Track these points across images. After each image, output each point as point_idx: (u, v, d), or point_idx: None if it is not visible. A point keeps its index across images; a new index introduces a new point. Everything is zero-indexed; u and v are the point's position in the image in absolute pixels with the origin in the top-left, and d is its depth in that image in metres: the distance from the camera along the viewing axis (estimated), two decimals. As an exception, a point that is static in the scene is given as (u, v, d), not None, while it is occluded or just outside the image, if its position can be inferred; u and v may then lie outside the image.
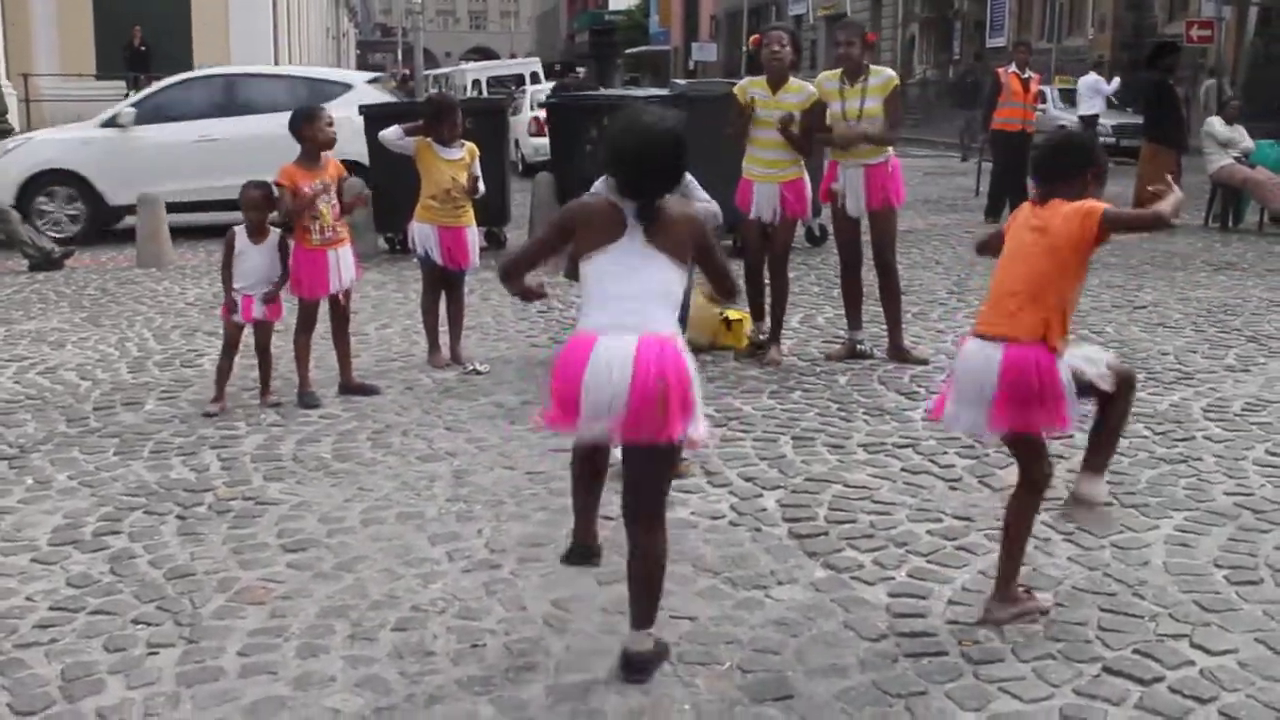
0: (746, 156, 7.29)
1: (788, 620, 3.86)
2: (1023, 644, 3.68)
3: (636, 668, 3.46)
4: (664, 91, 12.95)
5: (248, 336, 6.44)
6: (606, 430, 3.30)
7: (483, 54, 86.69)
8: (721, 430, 5.82)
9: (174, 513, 4.84)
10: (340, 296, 6.53)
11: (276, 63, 25.94)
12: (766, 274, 7.42)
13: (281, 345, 6.54)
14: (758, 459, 5.46)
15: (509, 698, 3.41)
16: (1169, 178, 3.95)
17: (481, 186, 7.27)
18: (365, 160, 11.53)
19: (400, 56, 59.71)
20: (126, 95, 17.96)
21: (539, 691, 3.44)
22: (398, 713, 3.34)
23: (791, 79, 7.16)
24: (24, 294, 9.92)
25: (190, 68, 19.01)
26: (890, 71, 7.23)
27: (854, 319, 7.40)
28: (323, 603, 4.01)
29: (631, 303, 3.33)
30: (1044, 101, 19.44)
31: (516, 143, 20.16)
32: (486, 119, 11.37)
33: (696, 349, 7.26)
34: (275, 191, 6.27)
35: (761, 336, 7.44)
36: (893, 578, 4.18)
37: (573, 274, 3.63)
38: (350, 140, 12.57)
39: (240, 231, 6.30)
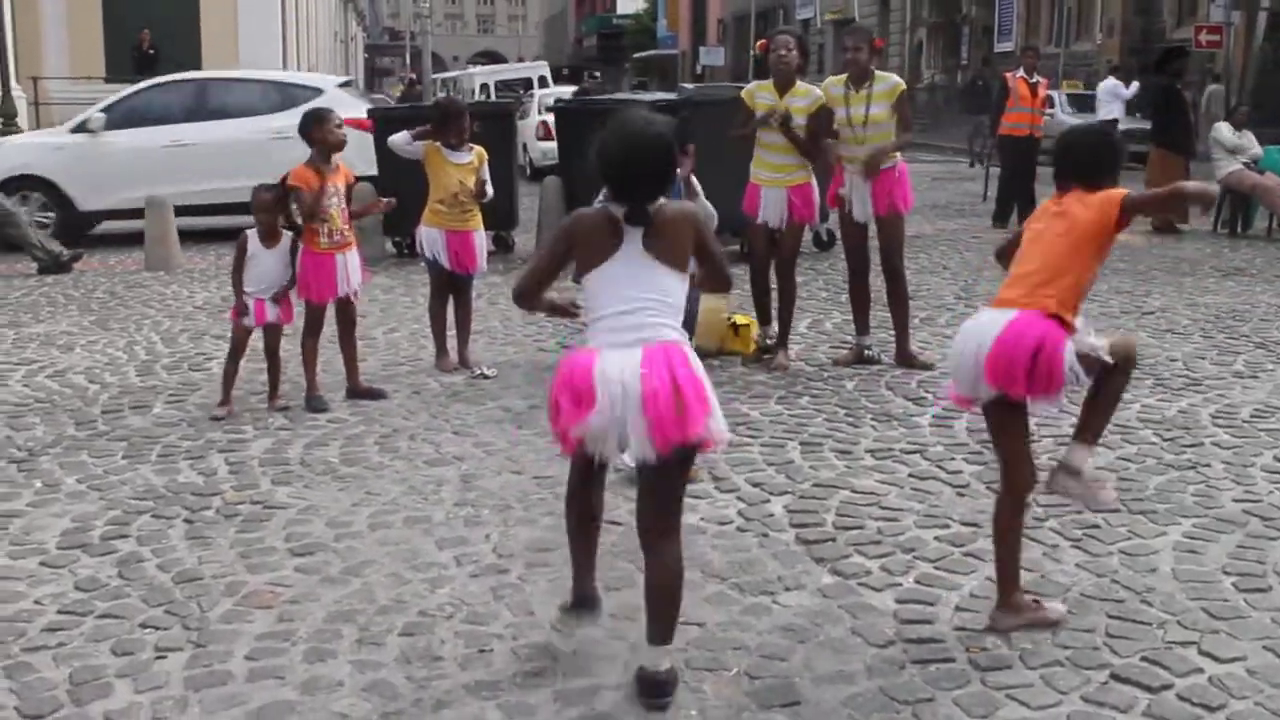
0: (754, 161, 7.29)
1: (795, 626, 3.86)
2: (1031, 651, 3.67)
3: (658, 690, 3.37)
4: (672, 96, 12.92)
5: (255, 340, 6.45)
6: (621, 441, 3.26)
7: (490, 58, 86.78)
8: (729, 436, 5.81)
9: (182, 516, 4.84)
10: (349, 299, 6.54)
11: (285, 66, 26.00)
12: (774, 278, 7.43)
13: (289, 349, 6.55)
14: (765, 464, 5.46)
15: (516, 703, 3.41)
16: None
17: (490, 190, 7.27)
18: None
19: (408, 60, 59.78)
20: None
21: (546, 696, 3.44)
22: (405, 717, 3.34)
23: (799, 83, 7.17)
24: (33, 297, 9.95)
25: (199, 71, 19.03)
26: (896, 78, 7.22)
27: (862, 324, 7.40)
28: (330, 607, 4.01)
29: (633, 316, 3.32)
30: (1052, 106, 19.40)
31: (524, 147, 20.17)
32: (494, 123, 11.38)
33: (704, 354, 7.25)
34: (290, 193, 6.28)
35: (769, 341, 7.44)
36: (900, 584, 4.18)
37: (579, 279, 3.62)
38: None
39: (252, 235, 6.32)
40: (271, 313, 6.34)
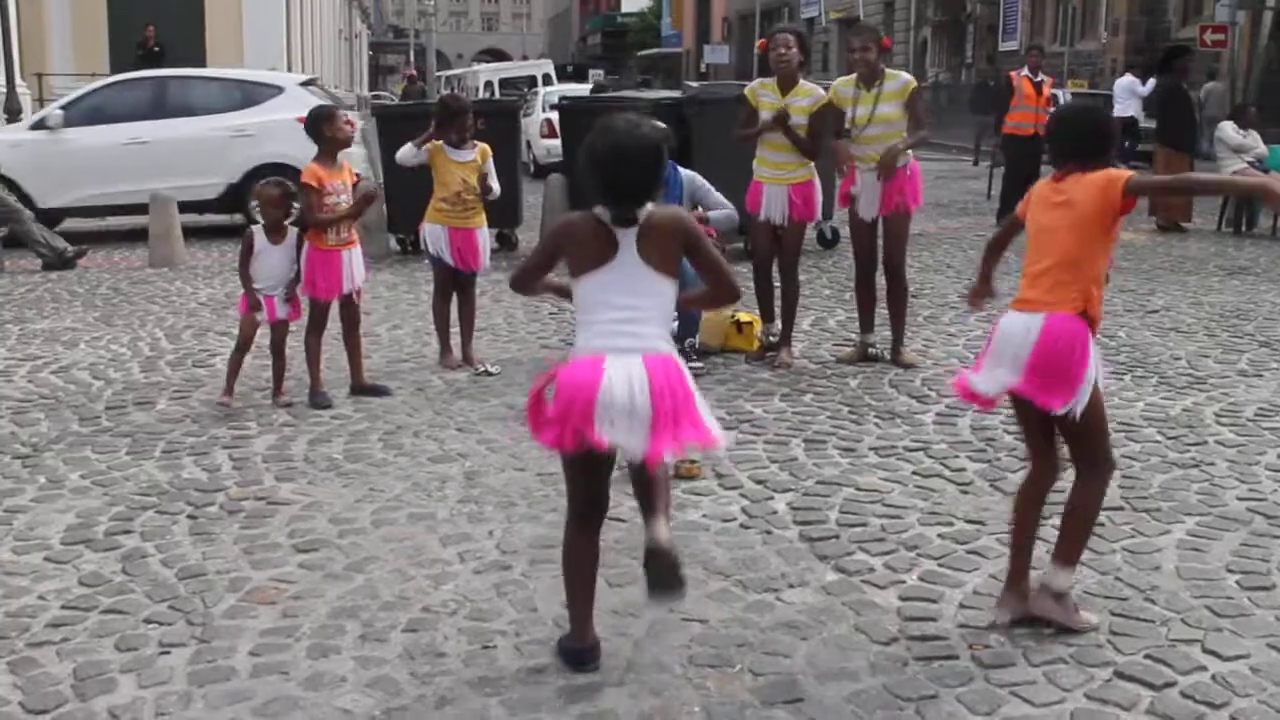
0: (756, 158, 7.29)
1: (798, 623, 3.86)
2: (1034, 648, 3.67)
3: (665, 578, 3.28)
4: (676, 94, 12.93)
5: (260, 336, 6.46)
6: (631, 448, 3.26)
7: (495, 55, 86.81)
8: (733, 433, 5.82)
9: (186, 512, 4.85)
10: (354, 296, 6.55)
11: (289, 64, 26.02)
12: (777, 276, 7.43)
13: (293, 346, 6.55)
14: (769, 462, 5.46)
15: (519, 699, 3.41)
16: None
17: (496, 187, 7.28)
18: (298, 165, 11.72)
19: (412, 58, 59.81)
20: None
21: (550, 693, 3.44)
22: (408, 713, 3.34)
23: (802, 82, 7.16)
24: (37, 293, 9.96)
25: (203, 67, 19.05)
26: (907, 75, 7.21)
27: (866, 322, 7.40)
28: (334, 603, 4.01)
29: (628, 324, 3.33)
30: (1056, 105, 19.40)
31: (528, 144, 20.18)
32: (498, 120, 11.38)
33: (707, 352, 7.30)
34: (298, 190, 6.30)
35: (772, 338, 7.44)
36: (904, 581, 4.18)
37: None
38: (281, 142, 12.63)
39: (258, 231, 6.32)
40: (281, 310, 6.35)
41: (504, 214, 11.04)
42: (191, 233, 12.22)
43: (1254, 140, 13.57)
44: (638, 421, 3.23)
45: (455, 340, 7.31)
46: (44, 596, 4.08)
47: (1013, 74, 14.86)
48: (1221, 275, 10.62)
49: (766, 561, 4.35)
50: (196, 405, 6.42)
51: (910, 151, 7.12)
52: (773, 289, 7.50)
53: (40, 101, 22.10)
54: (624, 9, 77.36)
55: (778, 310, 7.47)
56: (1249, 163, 13.35)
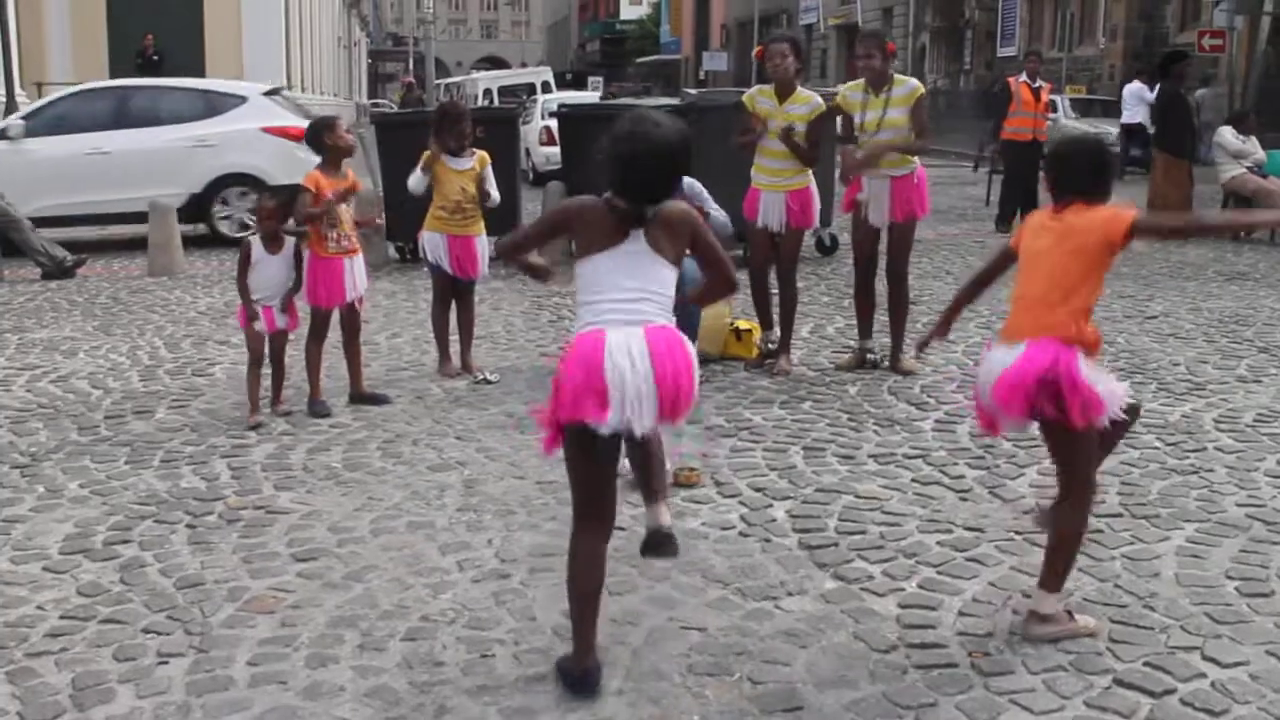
0: (754, 165, 7.30)
1: (797, 631, 3.85)
2: (1033, 656, 3.67)
3: (664, 550, 3.56)
4: (675, 100, 12.94)
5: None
6: (641, 421, 3.30)
7: (494, 63, 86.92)
8: (731, 440, 5.83)
9: (184, 522, 4.85)
10: (356, 305, 6.55)
11: (288, 71, 26.06)
12: (775, 283, 7.43)
13: (293, 354, 6.55)
14: (768, 469, 5.46)
15: (518, 707, 3.41)
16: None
17: (495, 195, 7.28)
18: (261, 175, 11.84)
19: (410, 65, 59.87)
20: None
21: (548, 701, 3.43)
22: (407, 723, 3.34)
23: (800, 89, 7.16)
24: (36, 302, 9.96)
25: (202, 76, 19.08)
26: (915, 81, 7.21)
27: (865, 328, 7.40)
28: (332, 612, 4.01)
29: (631, 304, 3.37)
30: (1054, 111, 19.42)
31: (527, 152, 20.19)
32: (497, 128, 11.39)
33: (706, 360, 7.29)
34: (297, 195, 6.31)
35: (771, 346, 7.44)
36: (903, 589, 4.18)
37: None
38: (244, 152, 12.66)
39: (256, 242, 6.32)
40: (280, 320, 6.34)
41: (503, 222, 10.94)
42: (191, 242, 12.22)
43: (1253, 146, 13.57)
44: (645, 389, 3.28)
45: (454, 348, 7.31)
46: (42, 606, 4.08)
47: (1011, 80, 14.87)
48: (1220, 281, 10.62)
49: (765, 569, 4.34)
50: (195, 414, 6.41)
51: (915, 160, 7.13)
52: (770, 296, 7.50)
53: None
54: (623, 16, 77.53)
55: (776, 317, 7.47)
56: (1248, 168, 13.37)
